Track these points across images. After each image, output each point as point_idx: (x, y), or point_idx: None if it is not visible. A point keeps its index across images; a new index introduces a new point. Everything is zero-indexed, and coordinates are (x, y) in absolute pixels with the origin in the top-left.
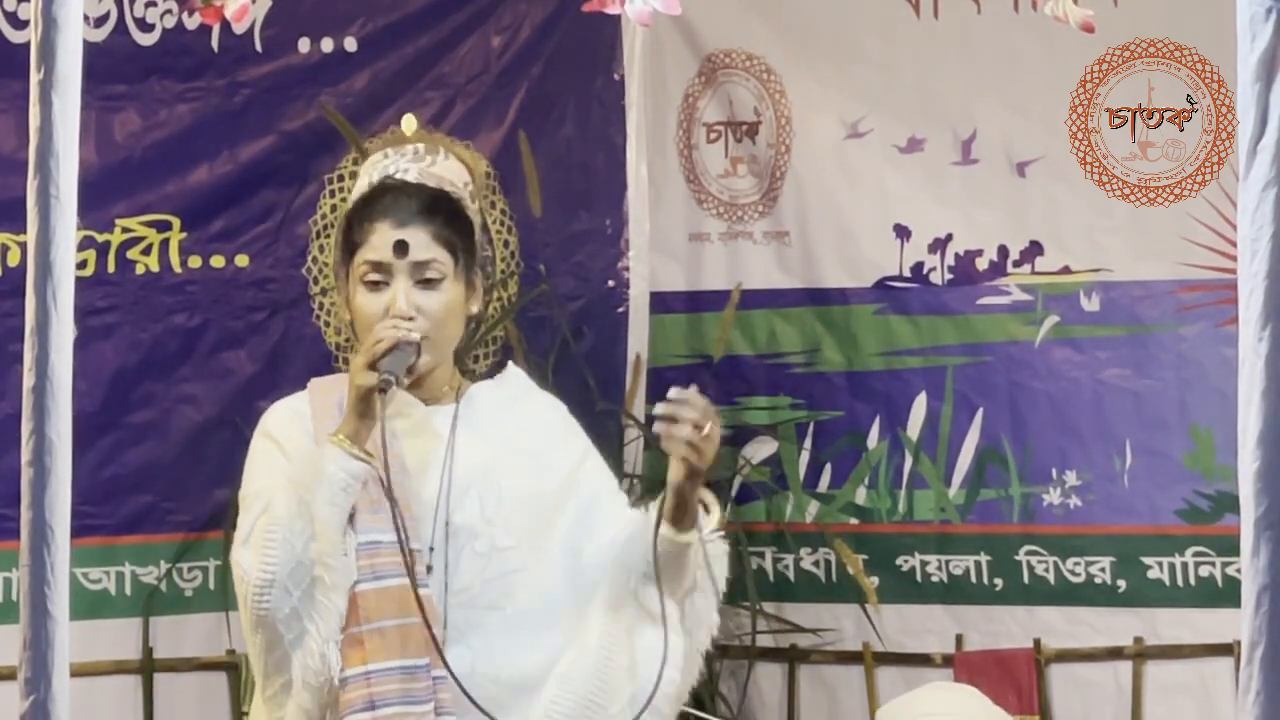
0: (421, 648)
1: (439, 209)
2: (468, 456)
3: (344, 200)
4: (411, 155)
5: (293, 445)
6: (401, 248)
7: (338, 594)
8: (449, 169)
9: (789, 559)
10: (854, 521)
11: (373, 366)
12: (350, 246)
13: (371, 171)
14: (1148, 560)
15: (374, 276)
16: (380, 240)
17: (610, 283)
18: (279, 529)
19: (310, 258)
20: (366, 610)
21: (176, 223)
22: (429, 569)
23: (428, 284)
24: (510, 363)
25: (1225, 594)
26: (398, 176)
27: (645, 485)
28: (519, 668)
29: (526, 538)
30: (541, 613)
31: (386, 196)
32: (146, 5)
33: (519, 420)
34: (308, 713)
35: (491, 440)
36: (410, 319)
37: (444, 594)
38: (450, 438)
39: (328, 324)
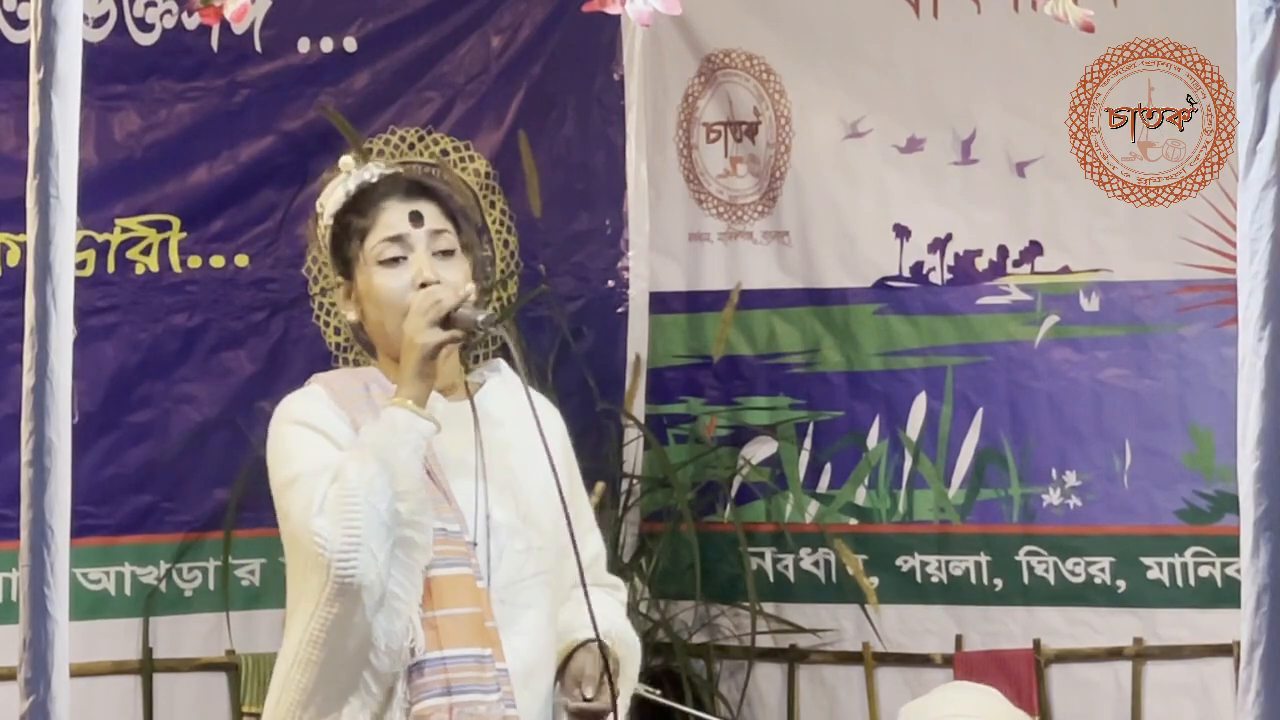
0: (488, 637)
1: (437, 188)
2: (496, 453)
3: None
4: (382, 164)
5: (334, 431)
6: (418, 217)
7: (425, 556)
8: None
9: (789, 559)
10: (854, 522)
11: (444, 325)
12: (354, 237)
13: (346, 182)
14: (1147, 560)
15: (393, 252)
16: (394, 216)
17: (610, 283)
18: (360, 492)
19: (310, 258)
20: (440, 595)
21: (176, 223)
22: None
23: (444, 255)
24: (496, 358)
25: (1225, 594)
26: (380, 175)
27: (645, 485)
28: (526, 662)
29: (552, 539)
30: (557, 613)
31: (380, 185)
32: (146, 5)
33: (528, 418)
34: (380, 680)
35: (513, 437)
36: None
37: (488, 589)
38: (477, 434)
39: (327, 324)
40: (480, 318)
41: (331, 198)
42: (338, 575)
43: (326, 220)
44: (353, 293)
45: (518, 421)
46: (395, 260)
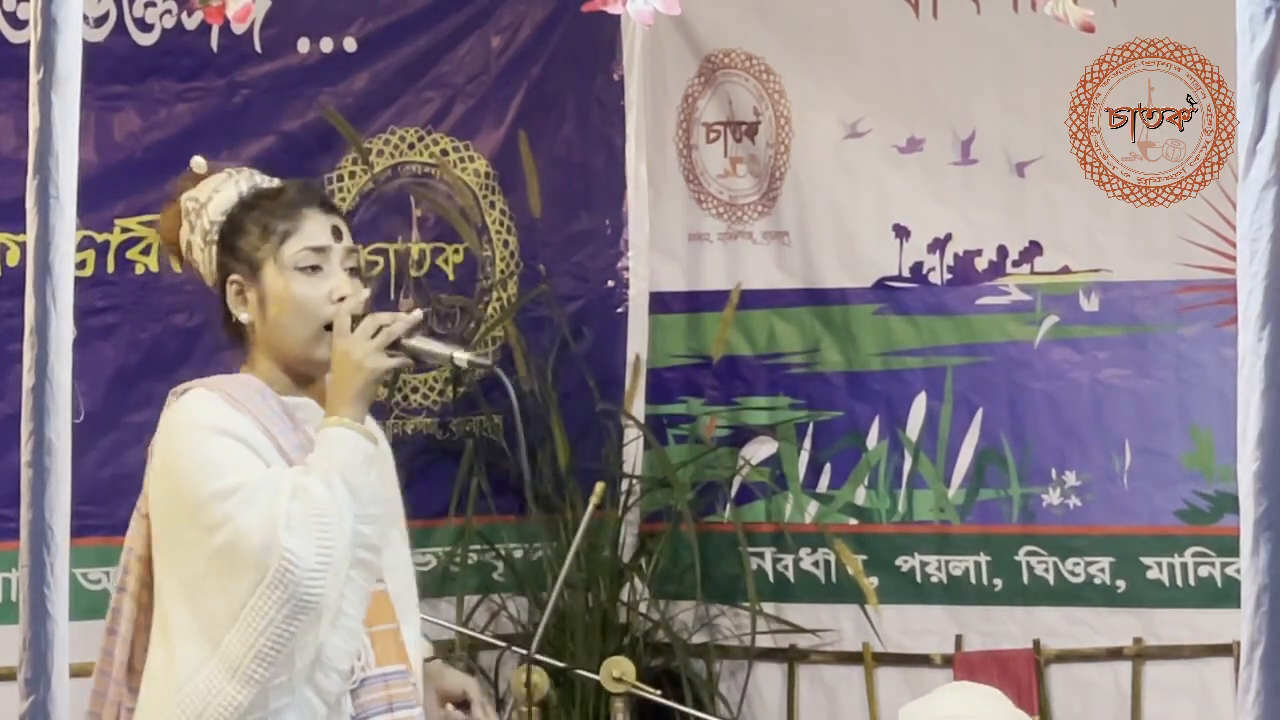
0: (404, 652)
1: (340, 209)
2: (379, 464)
3: (343, 200)
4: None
5: (253, 440)
6: (338, 232)
7: (375, 576)
8: None
9: (788, 559)
10: (853, 522)
11: (393, 348)
12: (266, 237)
13: (237, 182)
14: (1147, 560)
15: (312, 261)
16: (315, 226)
17: (610, 283)
18: (330, 513)
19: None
20: (372, 612)
21: None
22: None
23: (351, 273)
24: None
25: (1225, 594)
26: (286, 182)
27: (645, 485)
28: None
29: (401, 549)
30: None
31: (295, 192)
32: (146, 5)
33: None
34: (323, 697)
35: (379, 448)
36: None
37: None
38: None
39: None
40: (459, 356)
41: (220, 194)
42: (305, 594)
43: (214, 215)
44: (247, 291)
45: (377, 433)
46: (313, 269)
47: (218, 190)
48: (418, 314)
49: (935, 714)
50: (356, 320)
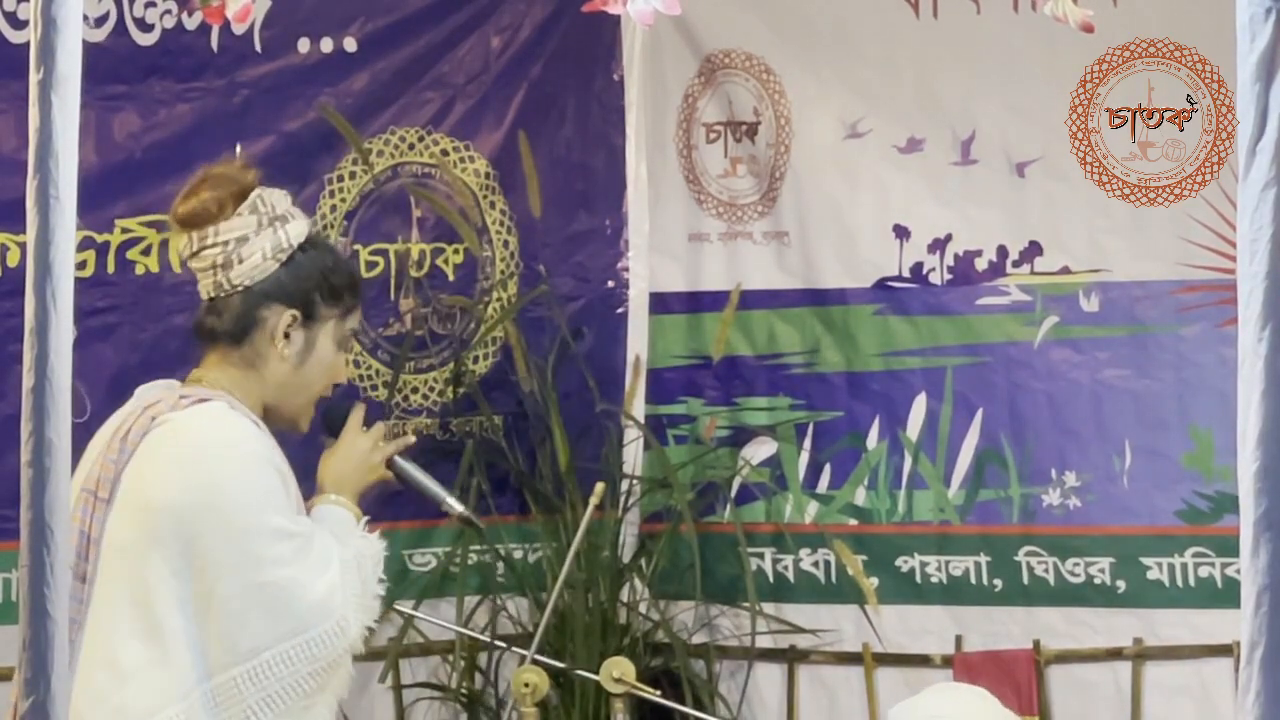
0: None
1: None
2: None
3: (343, 200)
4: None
5: (285, 472)
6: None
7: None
8: None
9: (788, 560)
10: (853, 522)
11: (389, 464)
12: (334, 300)
13: (307, 219)
14: (1147, 561)
15: (348, 346)
16: (358, 318)
17: (610, 283)
18: (366, 594)
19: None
20: None
21: None
22: None
23: None
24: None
25: (1225, 594)
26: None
27: (645, 486)
28: None
29: None
30: None
31: (348, 264)
32: (146, 5)
33: None
34: None
35: None
36: None
37: None
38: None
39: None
40: (451, 505)
41: (297, 221)
42: (338, 659)
43: (294, 238)
44: (294, 330)
45: None
46: (343, 350)
47: (293, 214)
48: (411, 438)
49: (920, 714)
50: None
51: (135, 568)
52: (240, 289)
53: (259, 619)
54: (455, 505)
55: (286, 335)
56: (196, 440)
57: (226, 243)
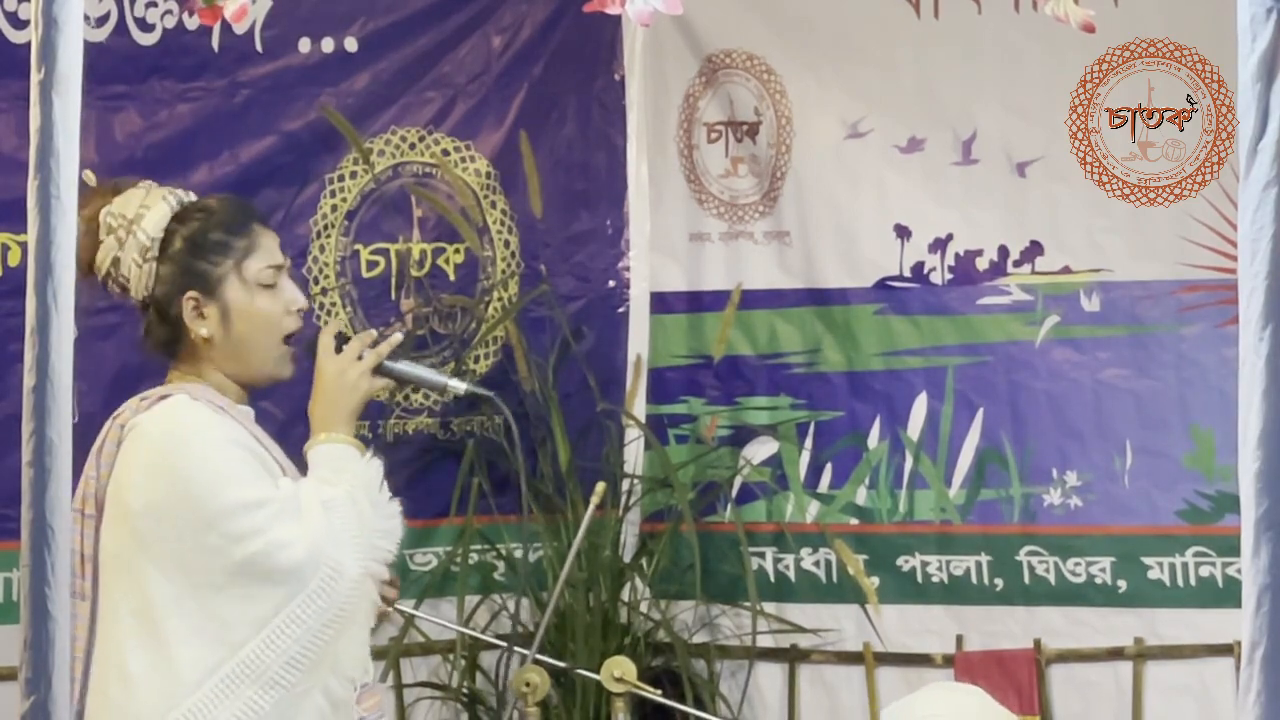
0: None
1: None
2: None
3: (344, 200)
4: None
5: (254, 448)
6: (282, 249)
7: (378, 591)
8: None
9: (789, 559)
10: (854, 522)
11: (378, 371)
12: (226, 255)
13: (164, 199)
14: (1148, 560)
15: (273, 279)
16: (271, 242)
17: (610, 283)
18: (364, 529)
19: (310, 258)
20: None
21: None
22: None
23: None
24: None
25: (1225, 594)
26: (219, 198)
27: (645, 485)
28: None
29: None
30: None
31: (243, 209)
32: (147, 5)
33: None
34: (332, 702)
35: None
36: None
37: None
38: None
39: (327, 323)
40: (454, 385)
41: (152, 210)
42: (344, 604)
43: (152, 232)
44: (204, 307)
45: None
46: (272, 285)
47: (146, 206)
48: (398, 336)
49: (915, 714)
50: (337, 341)
51: (129, 576)
52: (144, 303)
53: (253, 593)
54: (459, 385)
55: (200, 315)
56: (157, 439)
57: (109, 273)
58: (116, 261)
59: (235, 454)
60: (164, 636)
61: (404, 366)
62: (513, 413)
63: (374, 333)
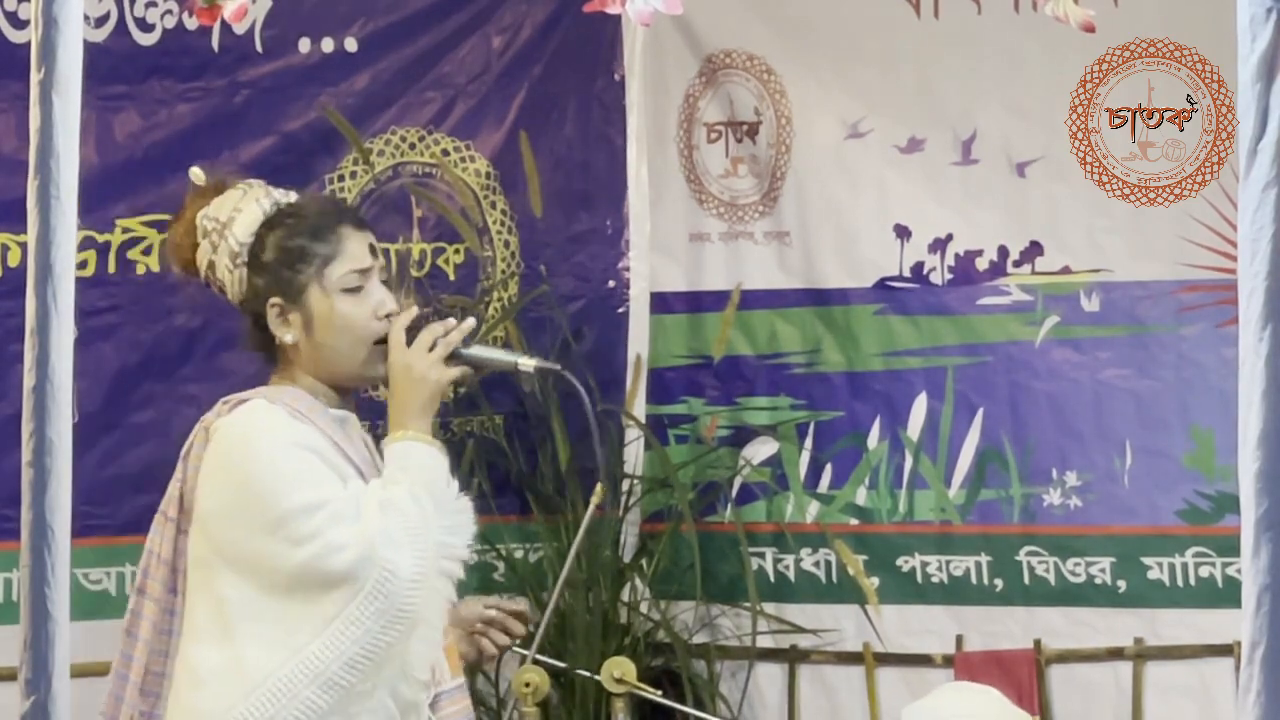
0: (459, 666)
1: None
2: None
3: (344, 200)
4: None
5: (324, 451)
6: (374, 250)
7: (452, 590)
8: None
9: (789, 559)
10: (854, 522)
11: (451, 359)
12: (308, 261)
13: (260, 200)
14: (1148, 561)
15: (358, 282)
16: (356, 247)
17: (611, 283)
18: (420, 525)
19: (205, 270)
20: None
21: None
22: None
23: (384, 285)
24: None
25: (1225, 594)
26: (315, 199)
27: (645, 485)
28: None
29: None
30: None
31: (330, 211)
32: (147, 5)
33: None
34: (399, 704)
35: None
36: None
37: None
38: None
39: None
40: (524, 363)
41: (244, 214)
42: (403, 604)
43: (242, 237)
44: (289, 313)
45: None
46: (357, 289)
47: (239, 209)
48: (470, 321)
49: (937, 714)
50: (410, 333)
51: (208, 580)
52: (240, 307)
53: (315, 596)
54: (529, 362)
55: (285, 322)
56: (229, 442)
57: (208, 276)
58: (212, 265)
59: (301, 457)
60: (235, 637)
61: (477, 350)
62: (512, 413)
63: (450, 322)
